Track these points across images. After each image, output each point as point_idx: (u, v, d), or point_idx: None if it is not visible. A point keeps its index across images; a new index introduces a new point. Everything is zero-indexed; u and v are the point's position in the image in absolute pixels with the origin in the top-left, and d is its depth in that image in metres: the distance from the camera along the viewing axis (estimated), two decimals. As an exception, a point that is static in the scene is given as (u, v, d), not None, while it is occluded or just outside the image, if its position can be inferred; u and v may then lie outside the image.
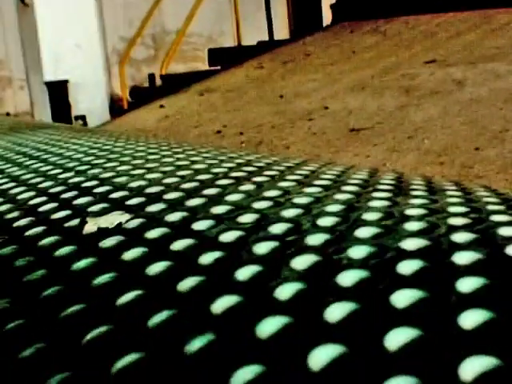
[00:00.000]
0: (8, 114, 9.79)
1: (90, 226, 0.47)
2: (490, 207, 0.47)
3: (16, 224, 0.54)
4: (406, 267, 0.35)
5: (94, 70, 6.87)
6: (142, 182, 0.61)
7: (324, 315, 0.31)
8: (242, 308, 0.33)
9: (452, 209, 0.46)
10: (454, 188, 0.55)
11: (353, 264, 0.36)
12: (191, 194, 0.56)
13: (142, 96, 7.07)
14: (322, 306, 0.32)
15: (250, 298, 0.34)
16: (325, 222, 0.44)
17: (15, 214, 0.56)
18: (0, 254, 0.48)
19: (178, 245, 0.43)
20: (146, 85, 8.23)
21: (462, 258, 0.35)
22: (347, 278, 0.34)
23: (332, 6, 7.44)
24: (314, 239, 0.41)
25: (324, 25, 7.87)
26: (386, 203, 0.48)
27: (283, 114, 4.19)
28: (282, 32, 12.30)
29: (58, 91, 6.58)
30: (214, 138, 4.06)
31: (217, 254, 0.40)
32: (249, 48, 7.30)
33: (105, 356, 0.31)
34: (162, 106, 5.46)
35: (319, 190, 0.54)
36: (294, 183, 0.57)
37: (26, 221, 0.54)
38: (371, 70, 4.89)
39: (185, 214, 0.49)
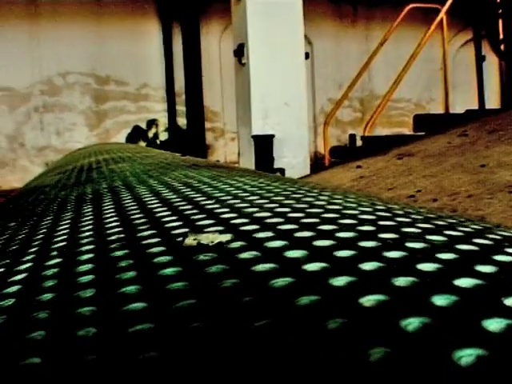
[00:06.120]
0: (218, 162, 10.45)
1: (190, 241, 0.48)
2: None
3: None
4: None
5: (299, 128, 7.11)
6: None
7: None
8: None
9: None
10: None
11: None
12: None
13: (342, 155, 7.17)
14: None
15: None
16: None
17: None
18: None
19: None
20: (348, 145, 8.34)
21: None
22: None
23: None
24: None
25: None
26: None
27: (482, 183, 3.98)
28: (492, 101, 11.84)
29: (264, 145, 6.89)
30: (406, 202, 3.96)
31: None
32: (455, 116, 7.11)
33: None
34: (358, 167, 5.47)
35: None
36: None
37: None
38: None
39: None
